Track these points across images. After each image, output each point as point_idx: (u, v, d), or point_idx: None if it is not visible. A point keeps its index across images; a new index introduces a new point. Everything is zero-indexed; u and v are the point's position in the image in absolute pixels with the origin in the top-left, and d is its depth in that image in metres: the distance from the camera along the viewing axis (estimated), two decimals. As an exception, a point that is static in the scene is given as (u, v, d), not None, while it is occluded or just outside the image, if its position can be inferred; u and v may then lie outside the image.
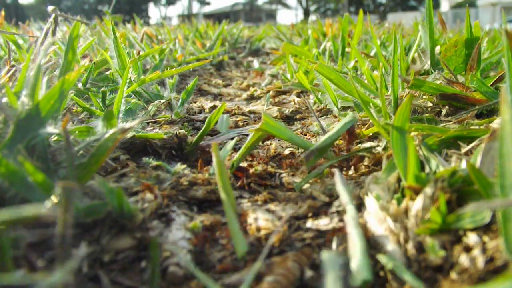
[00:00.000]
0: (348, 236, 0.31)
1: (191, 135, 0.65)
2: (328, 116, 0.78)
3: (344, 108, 0.76)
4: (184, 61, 1.39)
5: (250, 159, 0.55)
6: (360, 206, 0.39)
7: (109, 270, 0.32)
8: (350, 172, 0.49)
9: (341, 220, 0.38)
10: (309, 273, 0.31)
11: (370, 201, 0.38)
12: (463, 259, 0.29)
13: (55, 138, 0.44)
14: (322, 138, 0.46)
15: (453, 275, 0.28)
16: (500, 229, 0.26)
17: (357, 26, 1.21)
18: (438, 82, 0.65)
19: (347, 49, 1.30)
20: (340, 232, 0.36)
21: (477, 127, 0.50)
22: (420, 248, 0.31)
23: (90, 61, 0.99)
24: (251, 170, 0.50)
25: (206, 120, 0.59)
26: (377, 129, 0.50)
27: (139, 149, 0.57)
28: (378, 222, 0.35)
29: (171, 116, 0.74)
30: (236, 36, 2.38)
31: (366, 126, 0.62)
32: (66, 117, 0.37)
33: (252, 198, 0.44)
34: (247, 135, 0.64)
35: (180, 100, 0.80)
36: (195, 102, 0.95)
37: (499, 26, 2.75)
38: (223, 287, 0.30)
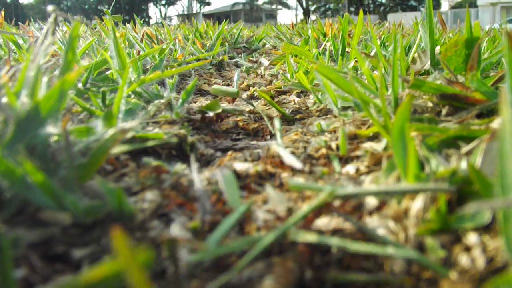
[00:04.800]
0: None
1: (191, 135, 0.65)
2: (328, 116, 0.78)
3: (344, 108, 0.76)
4: (184, 61, 1.39)
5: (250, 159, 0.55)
6: (360, 206, 0.39)
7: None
8: (351, 172, 0.49)
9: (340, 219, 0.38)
10: (309, 273, 0.31)
11: (370, 201, 0.38)
12: (464, 259, 0.29)
13: (55, 138, 0.44)
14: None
15: (453, 275, 0.28)
16: (500, 229, 0.26)
17: (357, 26, 1.21)
18: (438, 82, 0.65)
19: (347, 49, 1.30)
20: (340, 232, 0.36)
21: (477, 127, 0.50)
22: (420, 248, 0.31)
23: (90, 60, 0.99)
24: (251, 170, 0.50)
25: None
26: (377, 129, 0.50)
27: (139, 149, 0.57)
28: (378, 222, 0.35)
29: (171, 116, 0.74)
30: (236, 36, 2.38)
31: (366, 126, 0.62)
32: (66, 117, 0.37)
33: (252, 198, 0.44)
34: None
35: (180, 100, 0.80)
36: (195, 102, 0.95)
37: (499, 26, 2.75)
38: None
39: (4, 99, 0.43)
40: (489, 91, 0.59)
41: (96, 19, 1.98)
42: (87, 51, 1.08)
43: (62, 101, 0.41)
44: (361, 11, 1.20)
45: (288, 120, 0.81)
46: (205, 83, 1.28)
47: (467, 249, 0.30)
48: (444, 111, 0.61)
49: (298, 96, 0.99)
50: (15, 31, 2.00)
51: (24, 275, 0.29)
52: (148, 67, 1.17)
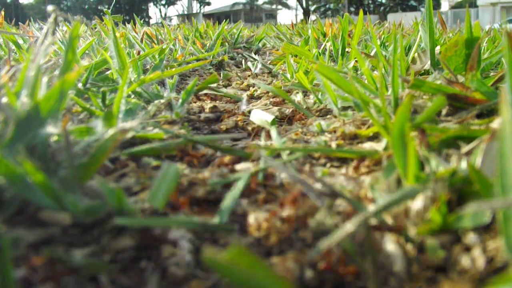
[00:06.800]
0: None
1: (191, 135, 0.65)
2: (328, 116, 0.78)
3: (344, 108, 0.76)
4: (184, 61, 1.39)
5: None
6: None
7: (109, 270, 0.32)
8: (350, 172, 0.49)
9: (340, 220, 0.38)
10: (309, 273, 0.31)
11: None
12: (464, 259, 0.29)
13: (55, 138, 0.44)
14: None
15: (454, 275, 0.28)
16: (500, 229, 0.26)
17: (357, 26, 1.21)
18: (438, 82, 0.65)
19: (347, 49, 1.30)
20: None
21: (477, 127, 0.50)
22: (421, 248, 0.31)
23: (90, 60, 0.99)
24: (252, 170, 0.50)
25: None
26: (377, 129, 0.50)
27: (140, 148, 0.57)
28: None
29: (171, 116, 0.74)
30: (236, 36, 2.38)
31: (366, 126, 0.62)
32: (66, 117, 0.37)
33: (252, 198, 0.44)
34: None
35: (180, 100, 0.80)
36: (195, 102, 0.95)
37: (499, 26, 2.75)
38: None
39: (4, 99, 0.43)
40: (489, 91, 0.59)
41: (96, 19, 1.98)
42: (87, 51, 1.08)
43: (62, 101, 0.41)
44: (361, 11, 1.20)
45: (288, 120, 0.81)
46: (205, 83, 1.28)
47: (467, 249, 0.30)
48: (444, 111, 0.61)
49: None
50: (15, 31, 2.00)
51: (24, 275, 0.29)
52: (148, 67, 1.17)
